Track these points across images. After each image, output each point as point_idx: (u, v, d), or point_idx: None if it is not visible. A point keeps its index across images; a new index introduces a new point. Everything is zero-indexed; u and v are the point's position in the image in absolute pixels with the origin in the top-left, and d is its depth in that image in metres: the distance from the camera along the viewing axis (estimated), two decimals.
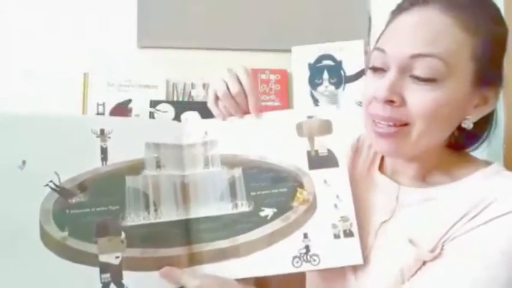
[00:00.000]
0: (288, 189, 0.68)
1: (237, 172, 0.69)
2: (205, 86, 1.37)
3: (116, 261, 0.58)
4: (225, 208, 0.67)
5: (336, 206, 0.67)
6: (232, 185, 0.68)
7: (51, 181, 0.57)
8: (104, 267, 0.57)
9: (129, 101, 1.32)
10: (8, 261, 0.53)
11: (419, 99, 0.59)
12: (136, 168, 0.63)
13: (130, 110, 1.32)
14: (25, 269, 0.54)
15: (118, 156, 0.62)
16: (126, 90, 1.33)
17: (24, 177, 0.56)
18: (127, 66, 1.35)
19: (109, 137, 0.62)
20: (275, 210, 0.67)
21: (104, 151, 0.61)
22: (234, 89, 0.69)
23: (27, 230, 0.55)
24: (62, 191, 0.58)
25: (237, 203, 0.67)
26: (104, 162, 0.61)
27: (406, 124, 0.61)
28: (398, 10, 0.64)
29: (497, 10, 0.63)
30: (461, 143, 0.68)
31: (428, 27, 0.58)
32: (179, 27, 1.36)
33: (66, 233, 0.56)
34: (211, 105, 0.73)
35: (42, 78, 1.31)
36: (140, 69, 1.35)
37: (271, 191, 0.68)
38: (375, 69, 0.63)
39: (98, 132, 0.62)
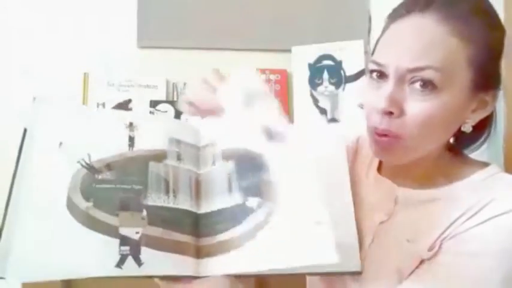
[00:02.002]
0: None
1: (231, 164, 0.71)
2: None
3: (136, 236, 0.61)
4: (226, 202, 0.69)
5: None
6: (229, 179, 0.70)
7: (82, 159, 0.62)
8: (124, 240, 0.60)
9: (129, 101, 1.32)
10: (39, 223, 0.58)
11: (419, 109, 0.59)
12: (159, 156, 0.68)
13: (130, 110, 1.32)
14: (52, 233, 0.57)
15: (143, 145, 0.68)
16: (126, 90, 1.33)
17: (60, 155, 0.62)
18: (127, 66, 1.35)
19: (137, 129, 0.68)
20: (259, 199, 0.68)
21: (131, 139, 0.67)
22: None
23: (57, 199, 0.59)
24: (90, 168, 0.62)
25: (234, 196, 0.69)
26: (131, 148, 0.66)
27: (399, 136, 0.61)
28: (394, 16, 0.63)
29: (494, 16, 0.63)
30: (461, 145, 0.69)
31: (425, 38, 0.59)
32: (179, 27, 1.36)
33: (90, 204, 0.60)
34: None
35: (42, 78, 1.31)
36: (140, 69, 1.35)
37: (254, 179, 0.69)
38: (372, 77, 0.64)
39: (128, 124, 0.68)
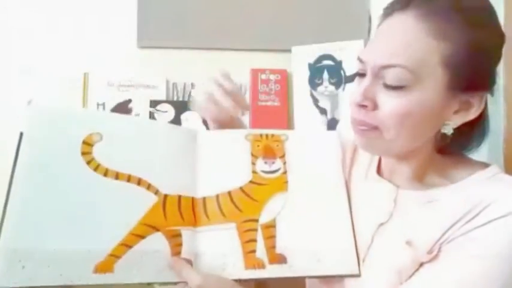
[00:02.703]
0: None
1: None
2: None
3: None
4: None
5: None
6: None
7: None
8: None
9: (129, 101, 1.32)
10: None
11: (388, 105, 0.61)
12: None
13: (130, 110, 1.32)
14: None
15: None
16: (126, 90, 1.33)
17: None
18: (127, 66, 1.35)
19: None
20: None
21: None
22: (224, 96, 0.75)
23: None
24: None
25: None
26: None
27: (376, 128, 0.63)
28: (383, 16, 0.65)
29: (479, 13, 0.60)
30: (451, 148, 0.68)
31: (400, 36, 0.60)
32: (179, 27, 1.36)
33: None
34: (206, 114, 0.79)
35: (42, 78, 1.31)
36: (140, 69, 1.35)
37: None
38: (359, 75, 0.67)
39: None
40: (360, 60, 0.65)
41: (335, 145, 0.79)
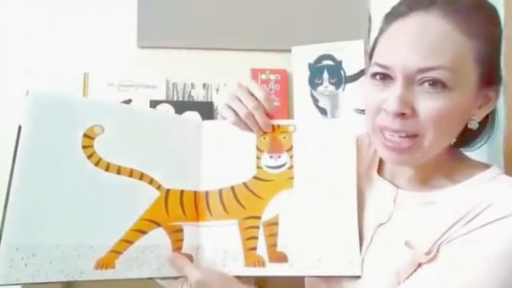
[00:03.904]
0: None
1: None
2: (205, 86, 1.37)
3: None
4: None
5: None
6: None
7: None
8: None
9: (129, 101, 1.32)
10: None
11: (431, 108, 0.58)
12: None
13: None
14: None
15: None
16: (126, 90, 1.33)
17: None
18: (127, 66, 1.35)
19: None
20: None
21: None
22: (254, 108, 0.70)
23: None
24: None
25: None
26: None
27: (415, 135, 0.60)
28: (394, 15, 0.62)
29: (493, 11, 0.63)
30: (464, 143, 0.68)
31: (431, 36, 0.58)
32: (179, 27, 1.36)
33: None
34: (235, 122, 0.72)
35: (42, 78, 1.31)
36: (140, 69, 1.35)
37: None
38: (376, 79, 0.63)
39: None
40: (383, 66, 0.61)
41: (349, 136, 0.73)
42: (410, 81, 0.59)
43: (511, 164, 1.00)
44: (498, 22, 0.63)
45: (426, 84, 0.58)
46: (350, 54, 1.33)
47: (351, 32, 1.35)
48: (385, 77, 0.62)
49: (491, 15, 0.62)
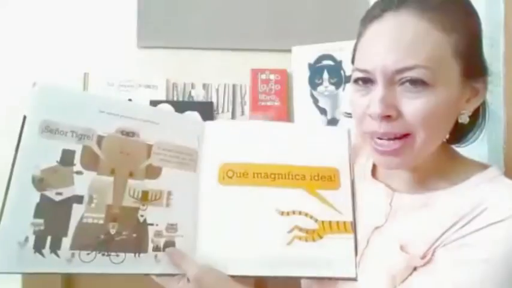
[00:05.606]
0: None
1: None
2: (205, 86, 1.37)
3: None
4: None
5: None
6: None
7: None
8: None
9: (129, 101, 1.32)
10: None
11: (415, 107, 0.58)
12: None
13: None
14: None
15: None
16: (126, 90, 1.33)
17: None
18: (127, 66, 1.35)
19: None
20: None
21: None
22: None
23: None
24: None
25: None
26: None
27: (408, 134, 0.60)
28: (369, 19, 0.62)
29: (467, 3, 0.62)
30: (457, 138, 0.68)
31: (406, 35, 0.57)
32: (179, 27, 1.36)
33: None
34: None
35: (42, 78, 1.31)
36: (140, 69, 1.35)
37: None
38: (359, 84, 0.62)
39: None
40: (362, 70, 0.61)
41: (344, 142, 0.75)
42: (390, 82, 0.59)
43: (511, 164, 1.00)
44: (473, 13, 0.62)
45: (407, 84, 0.58)
46: (350, 54, 1.33)
47: (351, 32, 1.34)
48: (366, 81, 0.61)
49: (465, 7, 0.61)
